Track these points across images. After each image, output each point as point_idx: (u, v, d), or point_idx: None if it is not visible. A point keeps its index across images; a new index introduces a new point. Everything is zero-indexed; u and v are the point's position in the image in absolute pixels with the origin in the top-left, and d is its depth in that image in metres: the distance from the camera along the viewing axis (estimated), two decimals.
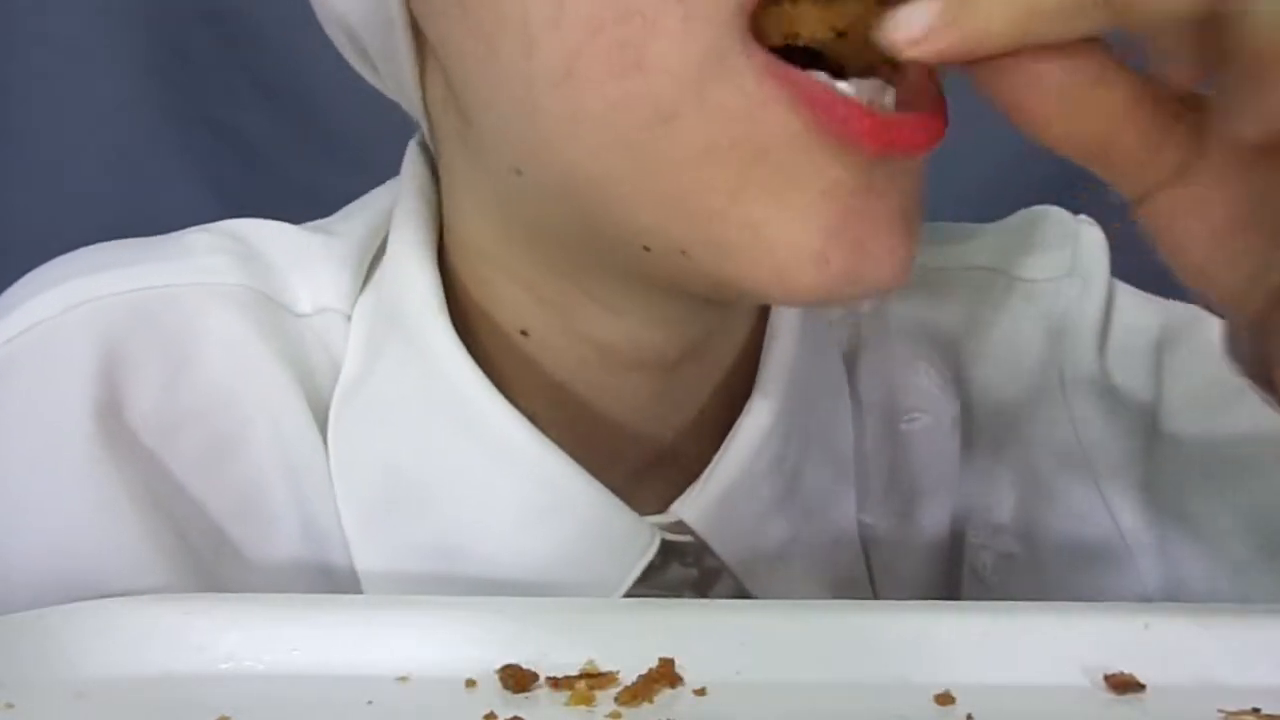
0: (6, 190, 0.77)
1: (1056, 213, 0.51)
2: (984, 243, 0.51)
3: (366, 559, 0.42)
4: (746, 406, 0.42)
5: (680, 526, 0.42)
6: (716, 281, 0.34)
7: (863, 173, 0.32)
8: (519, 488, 0.40)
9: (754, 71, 0.31)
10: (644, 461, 0.44)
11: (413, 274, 0.41)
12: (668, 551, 0.42)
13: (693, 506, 0.42)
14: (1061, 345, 0.48)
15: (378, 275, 0.44)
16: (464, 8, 0.33)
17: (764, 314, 0.44)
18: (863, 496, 0.47)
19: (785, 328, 0.43)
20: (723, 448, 0.42)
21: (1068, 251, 0.50)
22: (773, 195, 0.32)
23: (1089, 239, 0.50)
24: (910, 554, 0.48)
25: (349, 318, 0.43)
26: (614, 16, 0.31)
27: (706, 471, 0.42)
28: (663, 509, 0.42)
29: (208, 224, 0.46)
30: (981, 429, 0.49)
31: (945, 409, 0.48)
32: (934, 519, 0.48)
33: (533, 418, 0.40)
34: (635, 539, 0.41)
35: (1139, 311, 0.49)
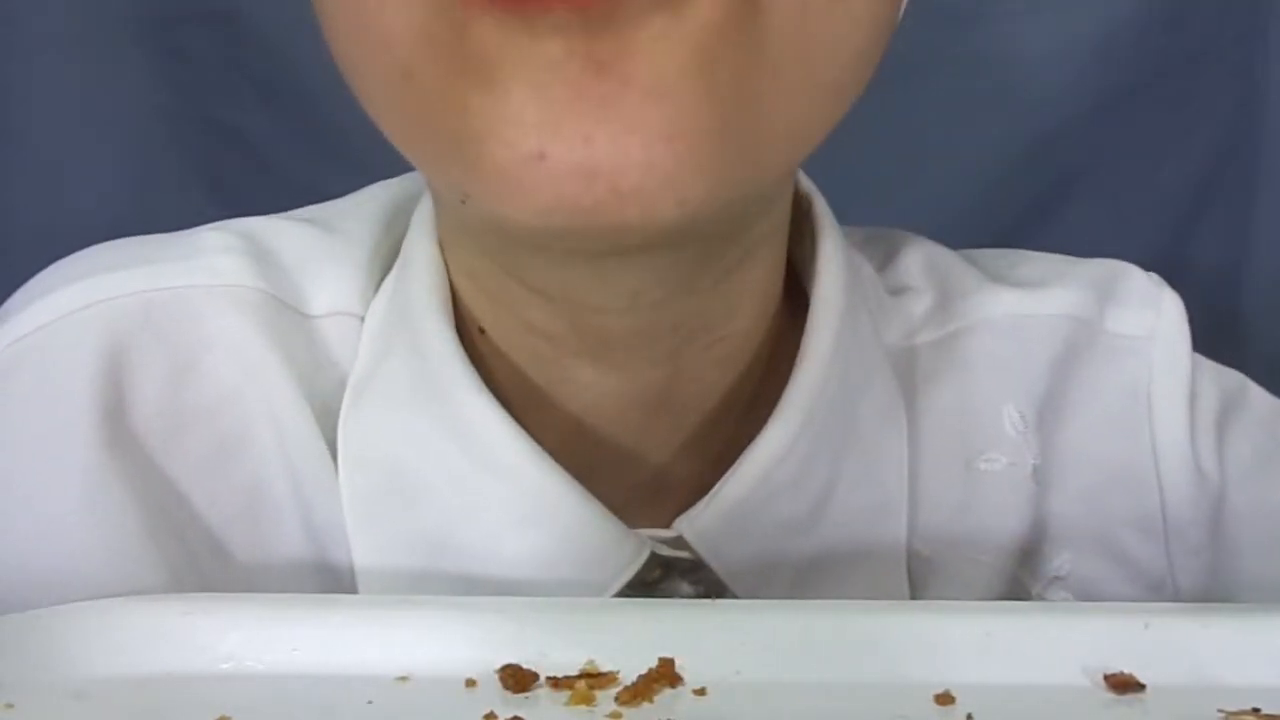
0: (6, 190, 0.77)
1: (1138, 271, 0.49)
2: (1071, 289, 0.48)
3: (363, 554, 0.42)
4: (764, 431, 0.40)
5: (682, 542, 0.41)
6: (485, 214, 0.32)
7: (575, 46, 0.28)
8: (504, 491, 0.40)
9: None
10: (646, 480, 0.43)
11: (419, 274, 0.41)
12: (669, 566, 0.42)
13: (694, 523, 0.41)
14: (1151, 412, 0.47)
15: (389, 284, 0.43)
16: None
17: (783, 333, 0.42)
18: (917, 525, 0.45)
19: (819, 351, 0.41)
20: (733, 468, 0.40)
21: (1151, 314, 0.48)
22: (492, 100, 0.29)
23: (1170, 305, 0.48)
24: (963, 588, 0.46)
25: (361, 319, 0.43)
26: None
27: (713, 490, 0.41)
28: (667, 521, 0.41)
29: (221, 221, 0.46)
30: (1062, 482, 0.47)
31: (1026, 457, 0.46)
32: (995, 559, 0.47)
33: (520, 421, 0.40)
34: (620, 549, 0.40)
35: (1207, 383, 0.48)
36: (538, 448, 0.39)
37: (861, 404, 0.43)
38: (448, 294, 0.40)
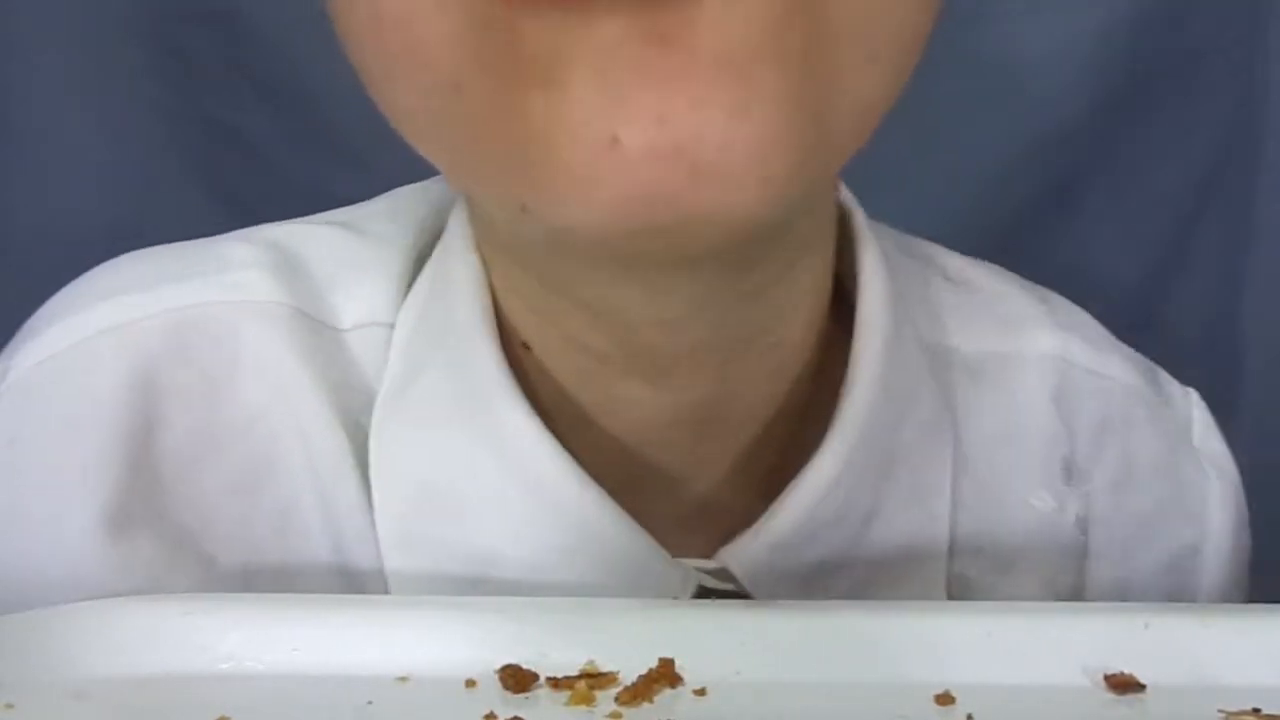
0: (5, 190, 0.77)
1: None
2: (1127, 360, 0.49)
3: (397, 572, 0.41)
4: (812, 463, 0.39)
5: (725, 574, 0.40)
6: (550, 224, 0.29)
7: (635, 22, 0.26)
8: (548, 517, 0.39)
9: None
10: (691, 505, 0.41)
11: (462, 289, 0.39)
12: (709, 595, 0.41)
13: (740, 556, 0.39)
14: (1205, 508, 0.48)
15: (423, 282, 0.42)
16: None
17: (829, 353, 0.41)
18: (958, 549, 0.44)
19: (866, 379, 0.39)
20: (780, 498, 0.39)
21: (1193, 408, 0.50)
22: (553, 97, 0.26)
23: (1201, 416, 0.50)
24: None
25: (392, 327, 0.42)
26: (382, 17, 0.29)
27: (760, 521, 0.39)
28: (711, 554, 0.40)
29: (249, 230, 0.45)
30: (1107, 549, 0.47)
31: (1071, 505, 0.46)
32: (1032, 592, 0.46)
33: (564, 441, 0.38)
34: (667, 581, 0.39)
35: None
36: (586, 476, 0.38)
37: (906, 425, 0.42)
38: (492, 310, 0.39)
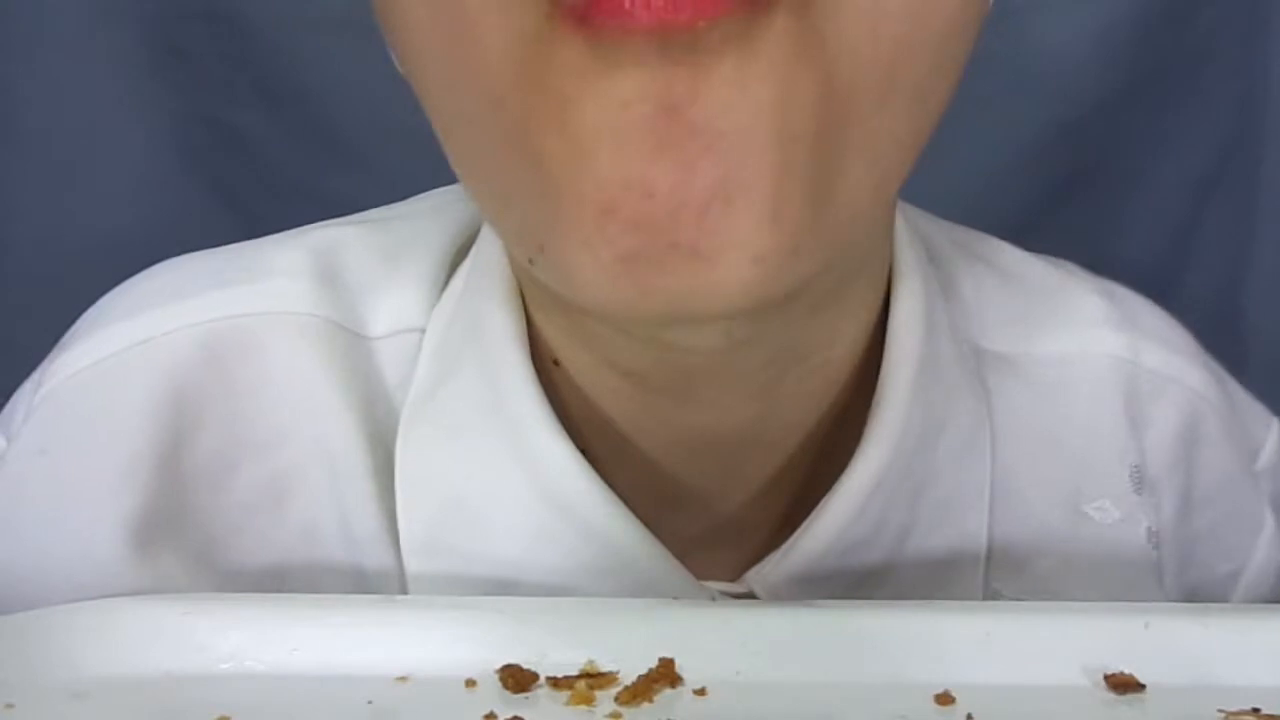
0: (6, 190, 0.77)
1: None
2: (1198, 368, 0.47)
3: (418, 580, 0.40)
4: (839, 485, 0.38)
5: (753, 596, 0.39)
6: (559, 275, 0.29)
7: (649, 85, 0.26)
8: (573, 537, 0.38)
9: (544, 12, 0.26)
10: (717, 522, 0.41)
11: (494, 298, 0.39)
12: None
13: (766, 579, 0.39)
14: (1248, 550, 0.47)
15: (457, 284, 0.42)
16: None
17: (867, 366, 0.39)
18: (996, 564, 0.42)
19: (896, 399, 0.38)
20: (807, 522, 0.38)
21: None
22: (566, 146, 0.27)
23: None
24: None
25: (423, 332, 0.42)
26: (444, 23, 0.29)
27: (786, 545, 0.38)
28: (736, 575, 0.40)
29: (290, 234, 0.45)
30: (1183, 566, 0.45)
31: (1140, 517, 0.44)
32: None
33: (586, 458, 0.38)
34: None
35: None
36: (614, 497, 0.37)
37: (941, 442, 0.40)
38: (524, 322, 0.39)
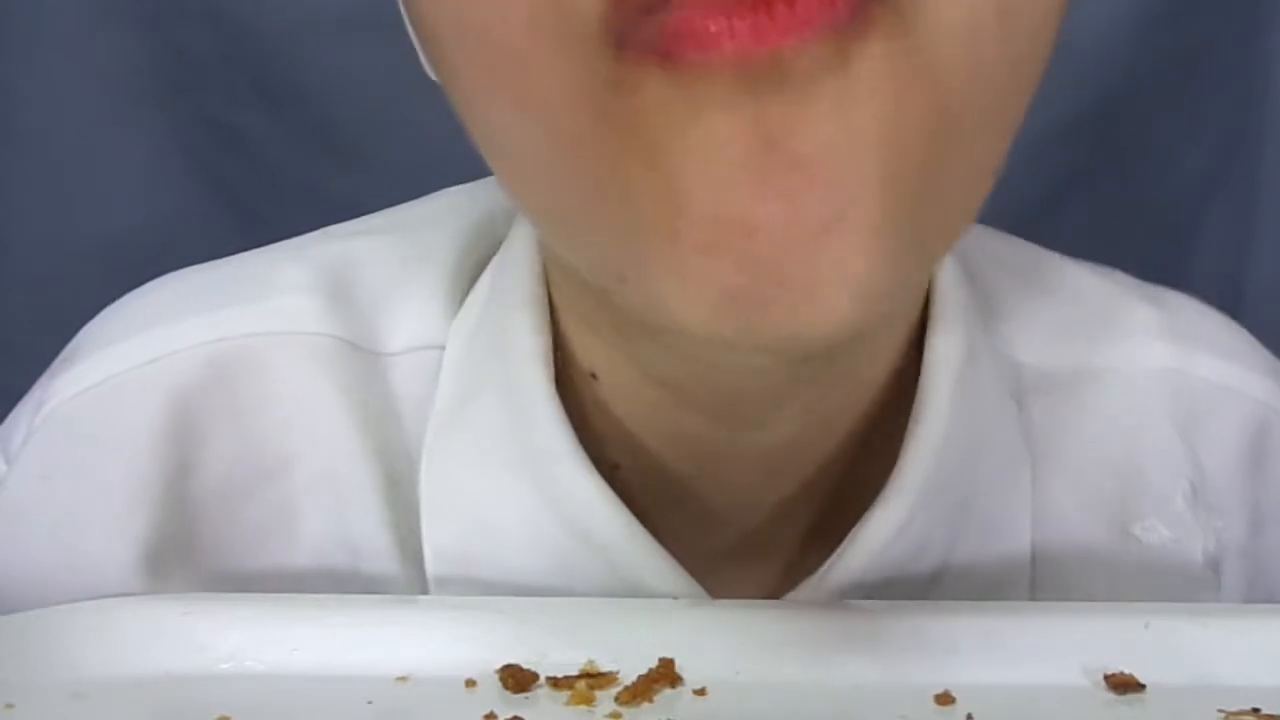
0: (6, 190, 0.77)
1: None
2: (1264, 375, 0.45)
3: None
4: (872, 512, 0.37)
5: None
6: (644, 303, 0.28)
7: (742, 124, 0.25)
8: (598, 568, 0.38)
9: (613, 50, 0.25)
10: (742, 539, 0.40)
11: (518, 314, 0.38)
12: None
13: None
14: None
15: (477, 296, 0.41)
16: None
17: (899, 382, 0.39)
18: (1040, 585, 0.41)
19: (933, 423, 0.37)
20: (847, 540, 0.37)
21: None
22: (657, 181, 0.26)
23: None
24: None
25: (442, 348, 0.41)
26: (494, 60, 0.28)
27: (820, 572, 0.37)
28: (764, 593, 0.39)
29: (298, 243, 0.44)
30: (1236, 571, 0.43)
31: (1196, 537, 0.42)
32: None
33: (614, 473, 0.37)
34: None
35: None
36: (640, 529, 0.37)
37: (981, 465, 0.39)
38: (550, 342, 0.38)
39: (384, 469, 0.40)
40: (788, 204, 0.25)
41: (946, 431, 0.37)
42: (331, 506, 0.40)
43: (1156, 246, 0.80)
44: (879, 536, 0.37)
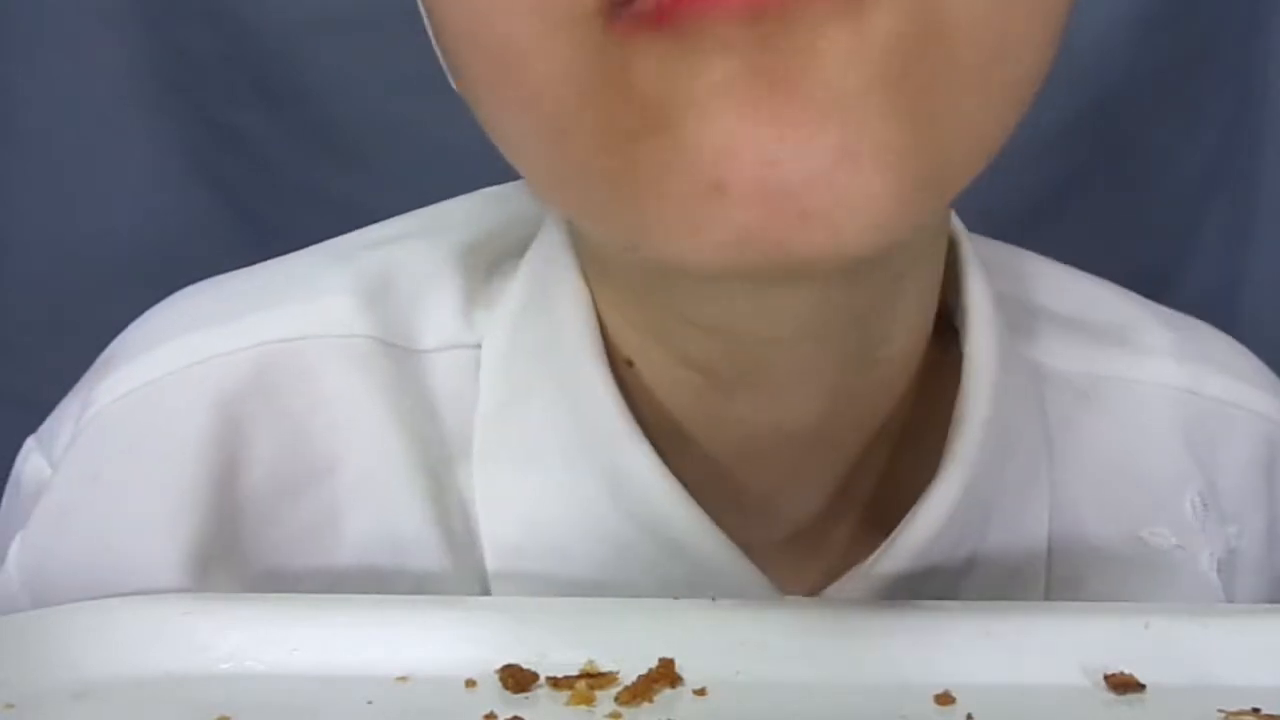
0: (6, 190, 0.77)
1: None
2: (1271, 394, 0.46)
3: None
4: (922, 504, 0.38)
5: None
6: (659, 260, 0.29)
7: (743, 64, 0.25)
8: (655, 552, 0.38)
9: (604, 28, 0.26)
10: (789, 530, 0.41)
11: (568, 311, 0.38)
12: None
13: (847, 595, 0.39)
14: None
15: (513, 295, 0.42)
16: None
17: (931, 378, 0.40)
18: (1054, 583, 0.42)
19: (979, 414, 0.38)
20: (889, 541, 0.38)
21: None
22: (662, 142, 0.26)
23: None
24: None
25: (476, 347, 0.41)
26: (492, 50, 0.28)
27: (869, 560, 0.38)
28: (814, 589, 0.40)
29: (339, 245, 0.44)
30: (1252, 584, 0.45)
31: (1202, 545, 0.44)
32: None
33: (666, 461, 0.38)
34: None
35: None
36: (700, 512, 0.37)
37: (1010, 463, 0.40)
38: (599, 333, 0.38)
39: (426, 467, 0.41)
40: (800, 138, 0.25)
41: (987, 429, 0.38)
42: (376, 506, 0.40)
43: (1156, 246, 0.80)
44: (925, 531, 0.38)
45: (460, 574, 0.40)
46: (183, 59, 0.76)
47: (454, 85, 0.32)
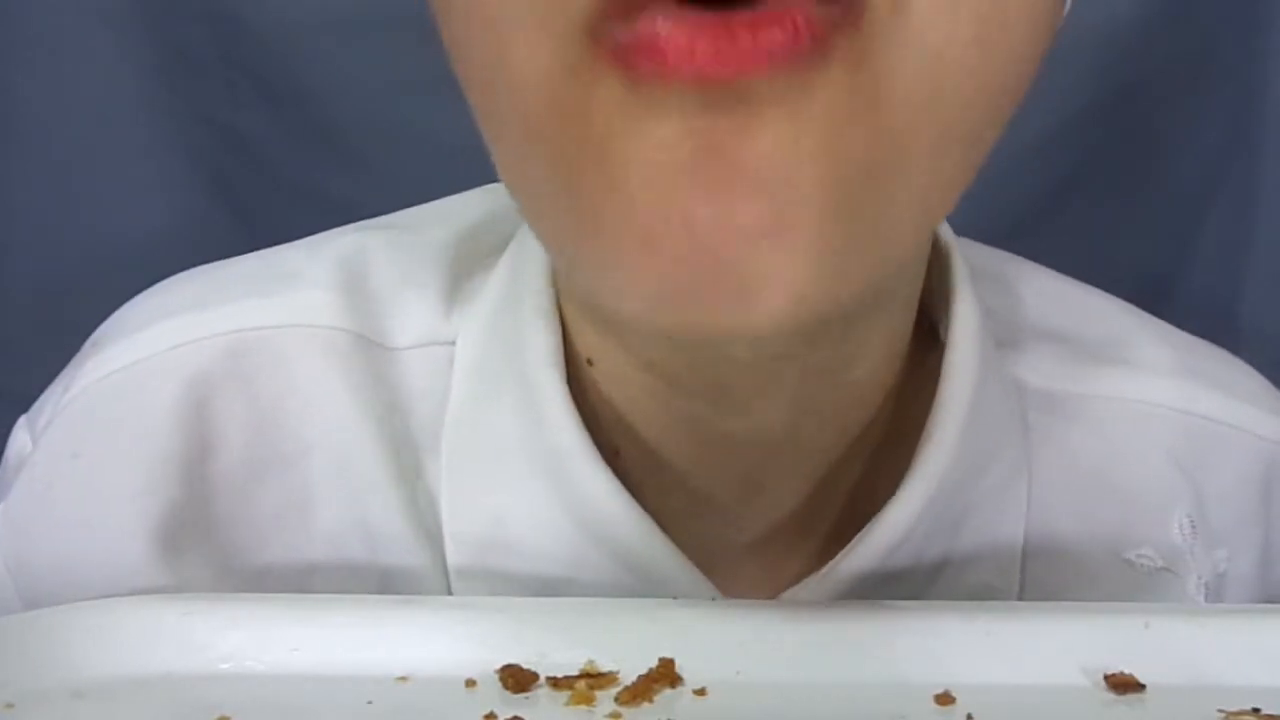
0: (6, 190, 0.77)
1: None
2: (1272, 412, 0.45)
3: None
4: (884, 512, 0.38)
5: None
6: (592, 298, 0.30)
7: (690, 126, 0.25)
8: (610, 565, 0.38)
9: (587, 47, 0.26)
10: (752, 538, 0.41)
11: (530, 312, 0.39)
12: None
13: (801, 600, 0.39)
14: None
15: (488, 294, 0.42)
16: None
17: (912, 371, 0.40)
18: (1028, 589, 0.42)
19: (950, 428, 0.38)
20: (849, 547, 0.38)
21: None
22: (605, 181, 0.27)
23: None
24: None
25: (450, 344, 0.42)
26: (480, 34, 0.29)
27: (825, 568, 0.38)
28: (774, 592, 0.40)
29: (318, 241, 0.45)
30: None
31: (1190, 568, 0.43)
32: None
33: (615, 459, 0.38)
34: None
35: None
36: (653, 526, 0.37)
37: (985, 477, 0.40)
38: (561, 339, 0.38)
39: (398, 460, 0.41)
40: (728, 207, 0.26)
41: (954, 456, 0.38)
42: (348, 495, 0.41)
43: (1156, 247, 0.80)
44: (879, 547, 0.38)
45: (430, 566, 0.41)
46: (183, 59, 0.76)
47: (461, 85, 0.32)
